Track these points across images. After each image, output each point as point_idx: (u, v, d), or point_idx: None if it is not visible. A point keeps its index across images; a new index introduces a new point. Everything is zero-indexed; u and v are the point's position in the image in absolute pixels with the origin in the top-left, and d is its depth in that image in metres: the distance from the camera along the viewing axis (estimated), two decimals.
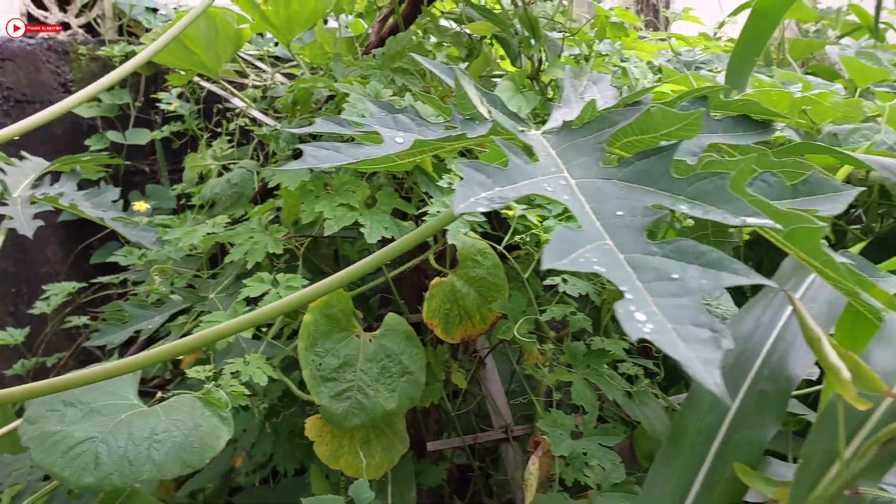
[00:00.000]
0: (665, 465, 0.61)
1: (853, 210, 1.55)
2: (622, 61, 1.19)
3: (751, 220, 0.44)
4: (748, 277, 0.39)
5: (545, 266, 0.39)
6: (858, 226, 1.52)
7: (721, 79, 1.58)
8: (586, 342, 0.96)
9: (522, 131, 0.58)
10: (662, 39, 1.87)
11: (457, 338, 0.98)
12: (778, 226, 0.43)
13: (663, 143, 0.50)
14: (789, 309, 0.65)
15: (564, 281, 0.93)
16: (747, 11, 1.63)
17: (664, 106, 0.52)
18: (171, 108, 1.68)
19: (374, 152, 0.53)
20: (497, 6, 1.26)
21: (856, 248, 1.12)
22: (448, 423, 1.11)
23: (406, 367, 0.93)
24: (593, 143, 0.54)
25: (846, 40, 2.31)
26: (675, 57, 1.90)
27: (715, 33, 2.35)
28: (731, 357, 0.63)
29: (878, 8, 1.40)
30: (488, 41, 1.30)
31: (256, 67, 1.78)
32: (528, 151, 0.54)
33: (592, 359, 0.94)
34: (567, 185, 0.49)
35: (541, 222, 0.97)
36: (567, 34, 1.19)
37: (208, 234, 1.00)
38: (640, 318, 0.38)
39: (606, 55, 1.18)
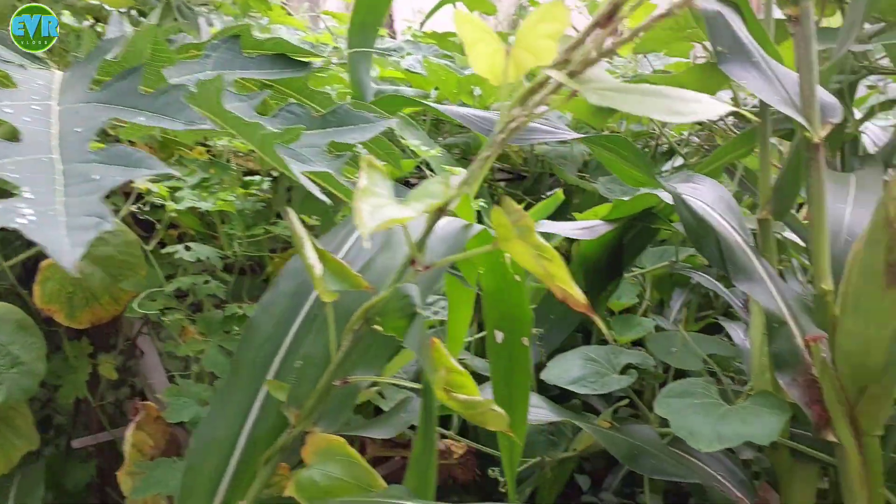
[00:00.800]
0: (222, 402, 0.60)
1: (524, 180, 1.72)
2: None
3: (196, 126, 0.46)
4: (160, 169, 0.41)
5: None
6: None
7: (405, 63, 1.66)
8: (222, 308, 0.94)
9: (21, 66, 0.55)
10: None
11: (85, 322, 0.92)
12: (215, 127, 0.45)
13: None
14: (354, 236, 0.68)
15: (187, 248, 0.90)
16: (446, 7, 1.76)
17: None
18: None
19: None
20: None
21: None
22: (101, 417, 1.03)
23: (17, 357, 0.84)
24: (89, 71, 0.53)
25: None
26: None
27: (421, 25, 2.49)
28: (293, 286, 0.65)
29: None
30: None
31: None
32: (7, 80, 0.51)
33: (228, 324, 0.92)
34: (40, 109, 0.49)
35: (172, 194, 0.94)
36: (211, 8, 1.17)
37: None
38: (26, 213, 0.37)
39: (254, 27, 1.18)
